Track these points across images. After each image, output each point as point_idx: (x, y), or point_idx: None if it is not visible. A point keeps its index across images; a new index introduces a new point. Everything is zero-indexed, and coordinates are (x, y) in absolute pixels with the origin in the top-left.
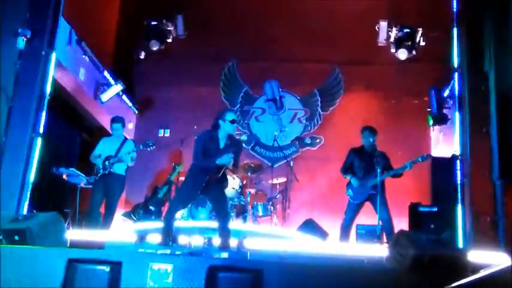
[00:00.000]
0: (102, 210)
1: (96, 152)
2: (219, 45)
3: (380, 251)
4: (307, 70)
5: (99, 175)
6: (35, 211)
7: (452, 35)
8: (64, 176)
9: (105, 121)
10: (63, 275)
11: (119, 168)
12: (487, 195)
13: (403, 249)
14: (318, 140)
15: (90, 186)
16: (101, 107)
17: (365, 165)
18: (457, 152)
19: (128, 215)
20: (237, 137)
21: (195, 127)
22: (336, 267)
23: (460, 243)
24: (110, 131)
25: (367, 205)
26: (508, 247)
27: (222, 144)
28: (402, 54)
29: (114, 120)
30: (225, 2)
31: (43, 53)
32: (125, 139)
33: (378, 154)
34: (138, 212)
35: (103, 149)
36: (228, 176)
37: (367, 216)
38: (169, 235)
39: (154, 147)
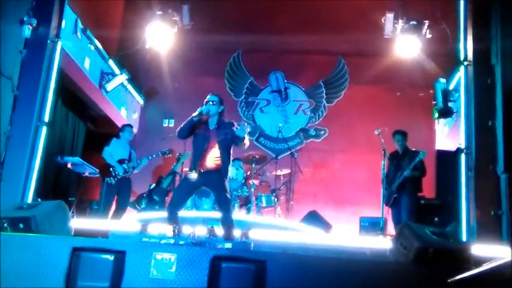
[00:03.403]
0: None
1: (109, 149)
2: (225, 36)
3: (383, 243)
4: (313, 61)
5: (119, 177)
6: (39, 199)
7: (459, 27)
8: (69, 165)
9: (109, 111)
10: (67, 263)
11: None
12: (492, 189)
13: (406, 241)
14: (322, 132)
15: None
16: (105, 97)
17: (394, 169)
18: (462, 146)
19: (132, 204)
20: (231, 121)
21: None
22: (339, 259)
23: (464, 237)
24: (121, 135)
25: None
26: (511, 241)
27: (211, 126)
28: (408, 46)
29: (129, 125)
30: None
31: (49, 41)
32: (131, 145)
33: (406, 155)
34: (142, 201)
35: (115, 149)
36: (231, 168)
37: (371, 208)
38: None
39: (170, 155)
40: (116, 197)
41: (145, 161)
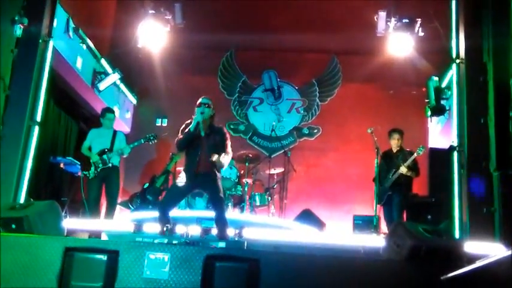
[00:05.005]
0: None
1: (86, 144)
2: (217, 34)
3: (376, 241)
4: (306, 60)
5: (99, 169)
6: (32, 199)
7: (451, 26)
8: (61, 165)
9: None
10: (60, 264)
11: (115, 160)
12: (484, 187)
13: (400, 239)
14: (315, 130)
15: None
16: (98, 96)
17: (386, 168)
18: (455, 143)
19: (125, 204)
20: (220, 126)
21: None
22: (332, 258)
23: (457, 234)
24: (102, 122)
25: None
26: (504, 238)
27: (202, 133)
28: (401, 44)
29: (108, 110)
30: None
31: (40, 41)
32: (115, 131)
33: (400, 154)
34: (135, 201)
35: (94, 140)
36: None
37: (365, 207)
38: (165, 223)
39: (156, 140)
40: (103, 191)
41: (127, 149)
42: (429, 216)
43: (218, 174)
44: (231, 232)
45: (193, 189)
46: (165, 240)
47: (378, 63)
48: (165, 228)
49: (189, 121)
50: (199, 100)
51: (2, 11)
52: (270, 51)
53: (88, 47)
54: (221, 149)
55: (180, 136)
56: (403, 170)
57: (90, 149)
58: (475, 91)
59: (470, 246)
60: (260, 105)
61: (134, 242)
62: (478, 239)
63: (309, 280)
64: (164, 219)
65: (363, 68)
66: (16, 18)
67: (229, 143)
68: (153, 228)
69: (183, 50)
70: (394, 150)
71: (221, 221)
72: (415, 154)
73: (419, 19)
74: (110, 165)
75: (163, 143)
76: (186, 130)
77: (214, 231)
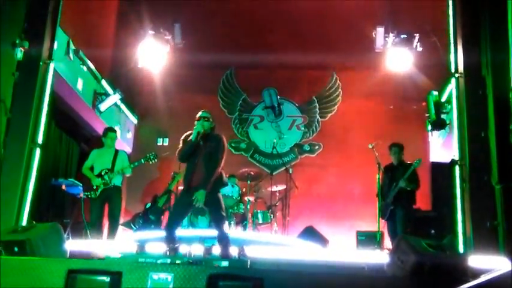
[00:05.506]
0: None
1: (88, 164)
2: (217, 53)
3: (380, 257)
4: (305, 77)
5: (100, 190)
6: (34, 222)
7: (449, 40)
8: (63, 187)
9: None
10: (62, 286)
11: (117, 180)
12: (487, 200)
13: (403, 255)
14: (317, 147)
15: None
16: (99, 117)
17: (388, 182)
18: (456, 157)
19: (127, 224)
20: (217, 134)
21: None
22: (336, 275)
23: (461, 249)
24: (104, 141)
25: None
26: (508, 252)
27: (201, 142)
28: (400, 59)
29: (110, 129)
30: (223, 10)
31: (41, 63)
32: (117, 150)
33: (401, 168)
34: (137, 221)
35: (96, 160)
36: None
37: (368, 222)
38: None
39: (156, 160)
40: (105, 211)
41: (128, 170)
42: (432, 231)
43: (218, 186)
44: (234, 251)
45: (191, 201)
46: (168, 260)
47: (377, 79)
48: (169, 248)
49: (189, 132)
50: (199, 114)
51: (2, 35)
52: (269, 69)
53: (88, 68)
54: (215, 156)
55: (181, 146)
56: (402, 183)
57: (92, 169)
58: (475, 105)
59: (475, 261)
60: (261, 122)
61: (137, 263)
62: (482, 253)
63: None
64: (171, 238)
65: (363, 84)
66: (17, 41)
67: (223, 149)
68: (156, 248)
69: (183, 70)
70: (395, 164)
71: (223, 240)
72: (412, 167)
73: (417, 34)
74: (112, 185)
75: (165, 162)
76: (188, 140)
77: (217, 249)
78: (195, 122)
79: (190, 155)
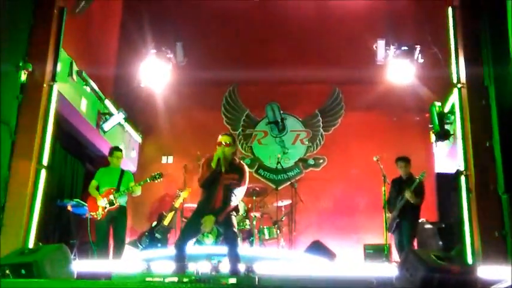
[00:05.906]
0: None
1: (94, 183)
2: (219, 70)
3: (389, 270)
4: (308, 91)
5: (105, 211)
6: (41, 243)
7: (450, 51)
8: (69, 207)
9: (108, 150)
10: None
11: (122, 200)
12: (494, 210)
13: (412, 268)
14: (321, 161)
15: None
16: (103, 136)
17: (395, 195)
18: (461, 168)
19: (134, 243)
20: (239, 162)
21: (198, 153)
22: None
23: (469, 260)
24: (110, 160)
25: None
26: None
27: (222, 168)
28: (401, 71)
29: (116, 148)
30: (224, 26)
31: (44, 85)
32: (123, 170)
33: (409, 181)
34: (144, 240)
35: (102, 179)
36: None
37: (375, 235)
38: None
39: (161, 179)
40: (110, 231)
41: (138, 188)
42: (440, 242)
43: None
44: (241, 267)
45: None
46: (176, 279)
47: (380, 91)
48: (178, 266)
49: (208, 155)
50: (219, 138)
51: (6, 57)
52: (271, 84)
53: (92, 89)
54: (237, 186)
55: (203, 173)
56: (407, 195)
57: (97, 188)
58: (478, 115)
59: (484, 272)
60: (265, 138)
61: (145, 282)
62: (491, 264)
63: None
64: (181, 256)
65: (365, 97)
66: (20, 64)
67: (246, 179)
68: (163, 266)
69: (186, 87)
70: (404, 178)
71: (234, 256)
72: (418, 180)
73: (418, 46)
74: (117, 206)
75: (170, 180)
76: (209, 167)
77: (225, 266)
78: (217, 147)
79: (211, 183)
